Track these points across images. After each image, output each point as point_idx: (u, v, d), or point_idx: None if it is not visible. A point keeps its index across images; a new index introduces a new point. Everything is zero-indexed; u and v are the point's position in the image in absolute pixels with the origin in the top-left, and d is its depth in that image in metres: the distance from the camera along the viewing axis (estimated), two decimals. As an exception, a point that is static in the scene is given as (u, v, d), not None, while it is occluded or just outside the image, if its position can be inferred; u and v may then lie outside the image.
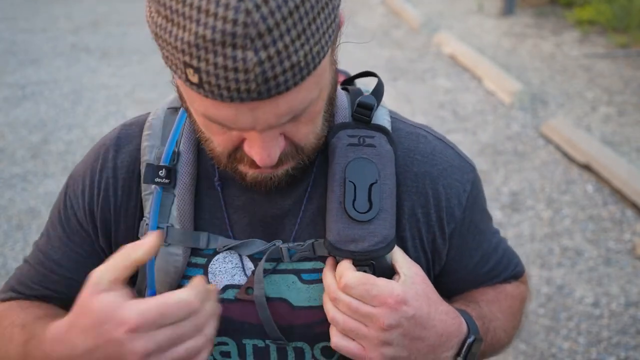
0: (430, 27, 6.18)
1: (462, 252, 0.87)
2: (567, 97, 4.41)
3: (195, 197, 0.81)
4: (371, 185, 0.76)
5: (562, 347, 2.27)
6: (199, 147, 0.82)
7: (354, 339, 0.72)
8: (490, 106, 4.35)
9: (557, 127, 3.76)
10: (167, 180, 0.78)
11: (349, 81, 0.93)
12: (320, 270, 0.80)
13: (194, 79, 0.57)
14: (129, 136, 0.85)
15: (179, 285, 0.80)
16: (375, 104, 0.81)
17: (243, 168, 0.72)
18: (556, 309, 2.46)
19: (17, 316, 0.81)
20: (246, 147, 0.66)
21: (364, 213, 0.75)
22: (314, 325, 0.81)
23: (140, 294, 0.86)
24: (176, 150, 0.80)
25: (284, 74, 0.57)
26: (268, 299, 0.80)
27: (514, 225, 2.99)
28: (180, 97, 0.69)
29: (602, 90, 4.47)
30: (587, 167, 3.39)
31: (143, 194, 0.80)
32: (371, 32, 6.31)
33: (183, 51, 0.56)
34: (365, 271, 0.76)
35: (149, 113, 0.86)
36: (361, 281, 0.70)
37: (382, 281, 0.71)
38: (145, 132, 0.82)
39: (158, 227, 0.78)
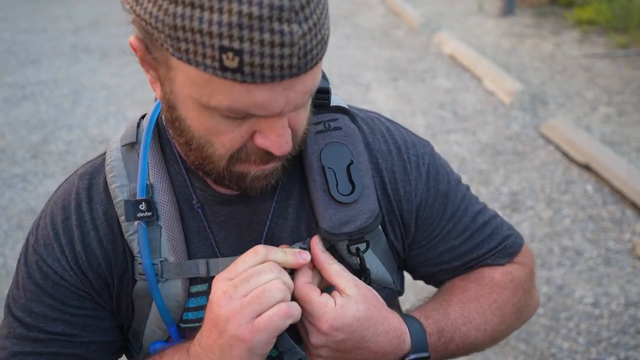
0: (430, 28, 6.18)
1: (433, 222, 0.86)
2: (567, 97, 4.41)
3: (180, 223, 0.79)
4: (348, 166, 0.78)
5: (562, 347, 2.27)
6: (170, 175, 0.79)
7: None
8: (490, 106, 4.35)
9: (557, 127, 3.76)
10: (149, 213, 0.75)
11: None
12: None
13: (232, 63, 0.56)
14: (93, 184, 0.80)
15: (181, 320, 0.78)
16: (330, 88, 0.83)
17: (245, 168, 0.69)
18: (556, 309, 2.46)
19: None
20: (259, 140, 0.65)
21: (349, 195, 0.77)
22: None
23: (136, 335, 0.82)
24: (148, 182, 0.77)
25: (317, 46, 0.59)
26: None
27: (514, 225, 2.99)
28: (171, 106, 0.65)
29: (602, 90, 4.47)
30: (587, 167, 3.40)
31: (126, 235, 0.76)
32: (371, 32, 6.31)
33: (220, 35, 0.54)
34: (358, 249, 0.78)
35: (100, 156, 0.83)
36: (300, 296, 0.72)
37: (318, 302, 0.71)
38: (109, 175, 0.78)
39: (152, 264, 0.75)
